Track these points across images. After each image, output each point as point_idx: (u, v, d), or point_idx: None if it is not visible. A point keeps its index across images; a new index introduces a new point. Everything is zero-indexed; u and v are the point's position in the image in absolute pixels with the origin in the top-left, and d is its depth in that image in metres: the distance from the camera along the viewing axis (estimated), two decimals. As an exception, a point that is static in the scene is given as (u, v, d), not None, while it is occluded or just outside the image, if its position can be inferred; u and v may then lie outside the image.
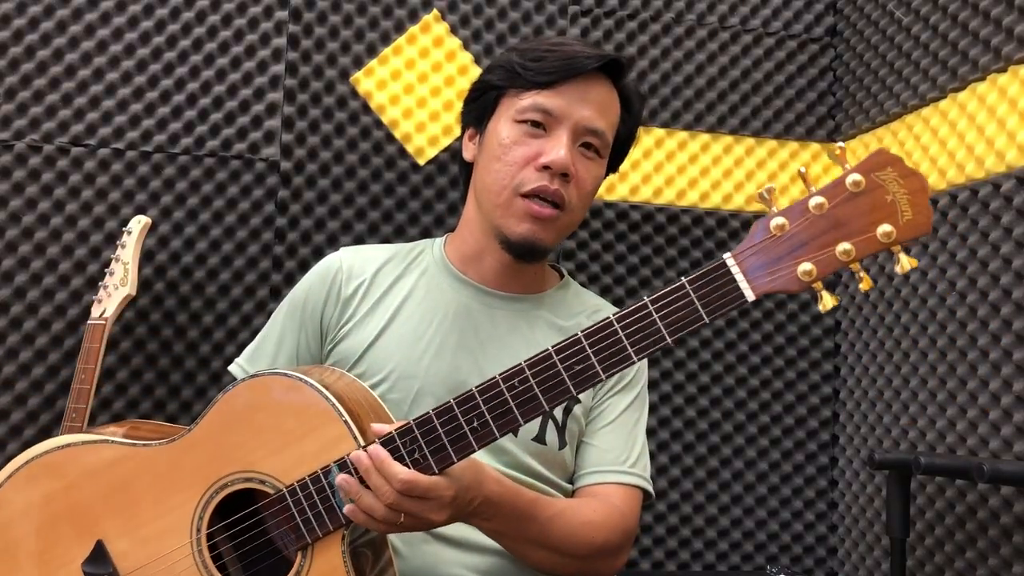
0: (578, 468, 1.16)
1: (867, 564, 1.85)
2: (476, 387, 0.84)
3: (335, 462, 0.85)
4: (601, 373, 0.81)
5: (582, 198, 1.13)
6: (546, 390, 0.81)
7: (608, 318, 0.80)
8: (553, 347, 0.82)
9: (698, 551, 1.92)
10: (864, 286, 0.77)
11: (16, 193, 1.69)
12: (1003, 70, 1.56)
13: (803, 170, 0.80)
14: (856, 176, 0.76)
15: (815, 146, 2.06)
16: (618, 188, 1.95)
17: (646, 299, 0.81)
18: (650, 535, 1.90)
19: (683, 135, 2.00)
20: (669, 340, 0.79)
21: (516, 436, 1.08)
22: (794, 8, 2.06)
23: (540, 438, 1.11)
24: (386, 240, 1.81)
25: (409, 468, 0.83)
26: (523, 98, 1.09)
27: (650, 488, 1.16)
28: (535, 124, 1.08)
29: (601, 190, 2.07)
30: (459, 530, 1.03)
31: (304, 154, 1.81)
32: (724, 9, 2.02)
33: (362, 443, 0.85)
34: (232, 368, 1.22)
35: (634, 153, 1.98)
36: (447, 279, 1.20)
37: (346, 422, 0.86)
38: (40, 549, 0.87)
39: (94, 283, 1.66)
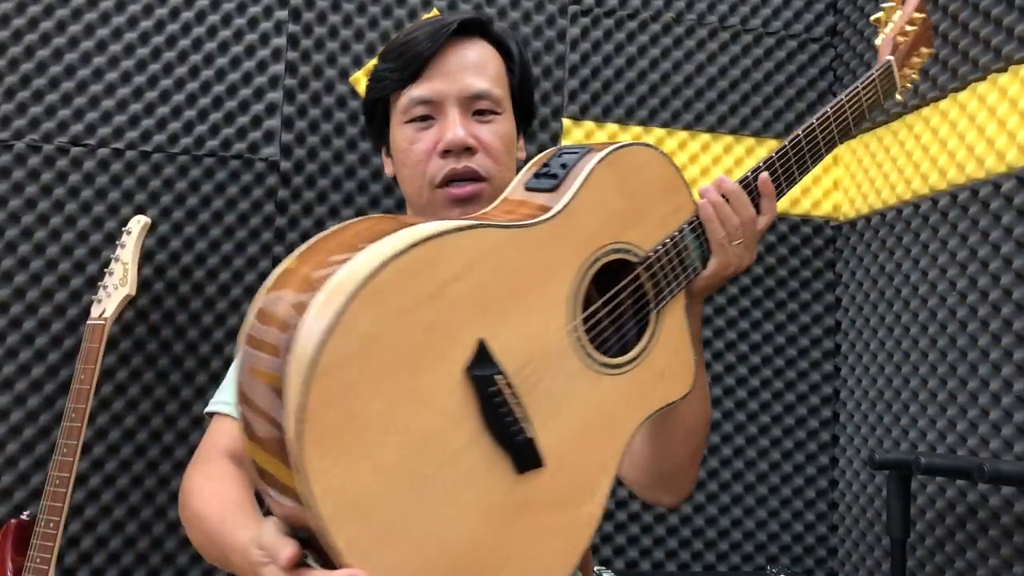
0: None
1: (867, 564, 1.84)
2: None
3: (687, 223, 0.93)
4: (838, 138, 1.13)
5: (499, 160, 1.10)
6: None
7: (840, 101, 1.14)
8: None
9: (698, 551, 1.92)
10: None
11: (16, 193, 1.68)
12: (1003, 70, 1.56)
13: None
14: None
15: (815, 146, 2.05)
16: (618, 188, 1.95)
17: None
18: (650, 535, 1.90)
19: (683, 135, 1.99)
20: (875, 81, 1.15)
21: None
22: (794, 8, 2.05)
23: None
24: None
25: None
26: (401, 98, 1.08)
27: None
28: (422, 118, 1.07)
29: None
30: None
31: (304, 154, 1.80)
32: (724, 9, 2.02)
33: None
34: (222, 409, 1.06)
35: (634, 153, 1.97)
36: None
37: (687, 187, 0.94)
38: (413, 358, 0.72)
39: (94, 283, 1.65)
